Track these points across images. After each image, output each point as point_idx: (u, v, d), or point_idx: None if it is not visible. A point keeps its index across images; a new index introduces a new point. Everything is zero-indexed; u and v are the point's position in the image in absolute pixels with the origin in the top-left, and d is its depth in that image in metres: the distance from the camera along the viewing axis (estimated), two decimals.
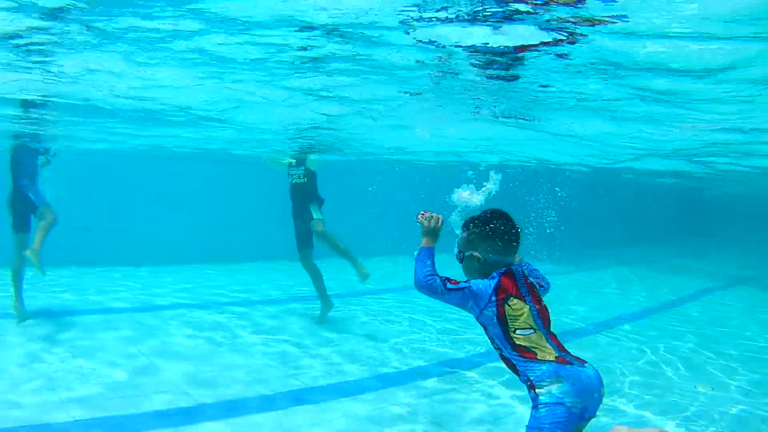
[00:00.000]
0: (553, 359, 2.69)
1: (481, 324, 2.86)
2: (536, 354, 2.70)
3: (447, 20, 3.47)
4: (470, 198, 2.98)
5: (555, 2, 3.11)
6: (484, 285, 2.78)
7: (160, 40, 4.08)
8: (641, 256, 18.04)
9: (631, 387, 5.49)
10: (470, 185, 3.01)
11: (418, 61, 4.48)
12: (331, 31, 3.81)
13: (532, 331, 2.73)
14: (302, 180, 7.58)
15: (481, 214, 2.93)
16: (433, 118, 7.51)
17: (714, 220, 27.07)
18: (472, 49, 4.05)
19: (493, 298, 2.74)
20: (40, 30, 3.89)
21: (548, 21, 3.42)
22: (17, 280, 6.72)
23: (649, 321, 8.75)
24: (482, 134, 8.97)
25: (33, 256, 6.18)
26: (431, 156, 13.17)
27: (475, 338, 6.82)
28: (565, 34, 3.67)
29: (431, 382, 5.47)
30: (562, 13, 3.27)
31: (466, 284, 2.78)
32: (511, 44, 3.89)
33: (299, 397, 4.90)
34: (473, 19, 3.41)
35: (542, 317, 2.80)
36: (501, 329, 2.75)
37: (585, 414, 2.65)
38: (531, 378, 2.69)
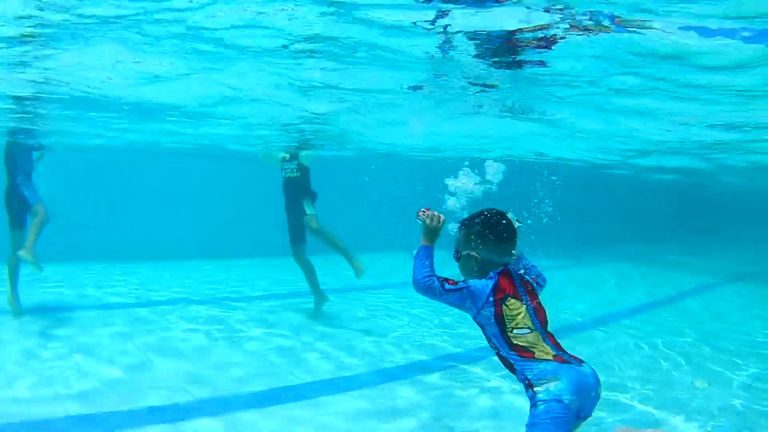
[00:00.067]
0: (551, 358, 2.70)
1: (478, 324, 2.87)
2: (534, 353, 2.70)
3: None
4: (467, 184, 2.95)
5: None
6: (482, 285, 2.78)
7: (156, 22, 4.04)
8: (641, 253, 18.07)
9: (632, 381, 5.47)
10: (468, 171, 2.98)
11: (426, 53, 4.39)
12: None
13: (529, 331, 2.74)
14: (295, 174, 7.58)
15: (479, 213, 2.92)
16: (435, 113, 7.47)
17: (714, 217, 27.05)
18: (474, 35, 3.98)
19: (491, 299, 2.75)
20: (35, 18, 3.85)
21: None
22: (13, 276, 6.70)
23: (649, 316, 8.72)
24: (484, 130, 8.92)
25: (27, 255, 6.17)
26: (433, 152, 13.15)
27: (473, 333, 6.78)
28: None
29: (431, 377, 5.45)
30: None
31: (464, 285, 2.77)
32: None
33: (298, 393, 4.87)
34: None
35: (539, 317, 2.81)
36: (498, 329, 2.75)
37: (581, 413, 2.66)
38: (528, 376, 2.68)
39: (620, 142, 9.96)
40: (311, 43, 4.28)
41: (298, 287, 9.34)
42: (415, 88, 5.82)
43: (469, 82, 5.59)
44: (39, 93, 6.36)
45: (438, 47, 4.36)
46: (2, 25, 3.93)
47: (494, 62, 4.69)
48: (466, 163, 3.07)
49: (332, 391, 4.94)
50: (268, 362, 5.64)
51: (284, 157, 7.77)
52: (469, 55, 4.47)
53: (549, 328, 2.85)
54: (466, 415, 4.55)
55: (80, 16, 3.76)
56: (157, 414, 4.26)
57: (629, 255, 17.34)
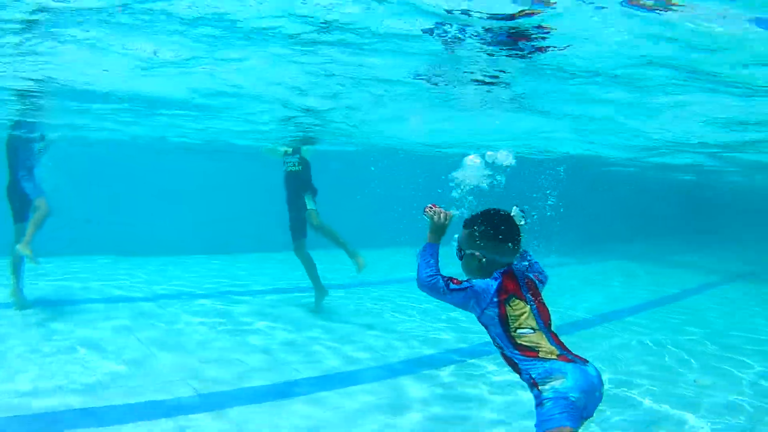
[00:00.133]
0: (555, 357, 2.68)
1: (482, 323, 2.85)
2: (538, 352, 2.69)
3: None
4: (474, 172, 2.92)
5: None
6: (486, 285, 2.76)
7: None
8: (643, 251, 18.06)
9: (639, 378, 5.46)
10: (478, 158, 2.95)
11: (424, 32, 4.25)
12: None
13: (533, 331, 2.72)
14: (297, 168, 7.61)
15: (483, 212, 2.90)
16: (442, 107, 7.41)
17: (717, 217, 27.00)
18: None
19: (495, 299, 2.74)
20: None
21: None
22: (17, 269, 6.69)
23: (654, 314, 8.70)
24: (492, 126, 8.86)
25: (25, 249, 6.18)
26: (439, 148, 13.11)
27: (478, 328, 6.75)
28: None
29: (437, 371, 5.44)
30: None
31: (468, 285, 2.76)
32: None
33: (302, 387, 4.85)
34: None
35: (542, 316, 2.80)
36: (502, 329, 2.75)
37: (584, 413, 2.64)
38: (533, 375, 2.67)
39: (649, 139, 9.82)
40: (325, 30, 4.18)
41: (300, 282, 9.34)
42: (424, 77, 5.70)
43: (477, 77, 5.51)
44: (40, 85, 6.33)
45: (443, 36, 4.28)
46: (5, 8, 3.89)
47: (503, 49, 4.56)
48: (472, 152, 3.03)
49: (337, 386, 4.92)
50: (271, 356, 5.62)
51: (286, 151, 7.81)
52: (478, 41, 4.36)
53: (553, 327, 2.84)
54: (474, 410, 4.54)
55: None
56: (161, 408, 4.25)
57: (632, 253, 17.31)
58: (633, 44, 4.32)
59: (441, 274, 2.77)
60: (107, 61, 5.18)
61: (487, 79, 5.64)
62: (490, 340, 2.85)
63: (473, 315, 2.88)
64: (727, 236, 23.04)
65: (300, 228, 7.49)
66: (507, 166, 3.00)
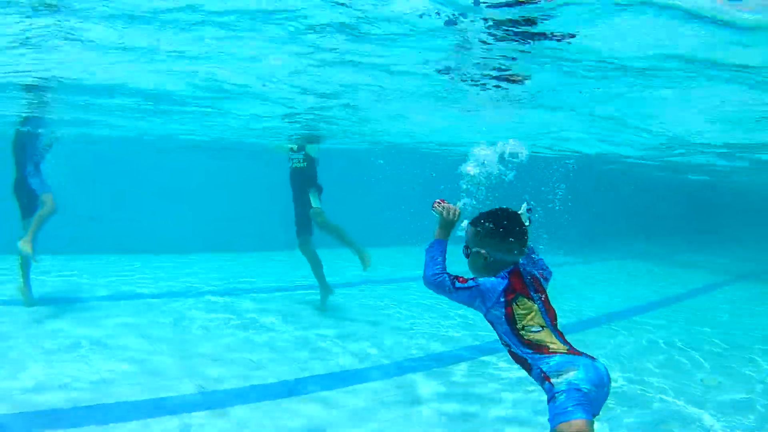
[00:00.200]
0: (565, 351, 2.69)
1: (489, 321, 2.85)
2: (547, 347, 2.69)
3: None
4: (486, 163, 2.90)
5: None
6: (493, 285, 2.76)
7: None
8: (649, 251, 17.99)
9: (649, 376, 5.45)
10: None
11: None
12: None
13: (541, 328, 2.72)
14: (302, 164, 7.63)
15: (491, 211, 2.89)
16: (455, 105, 7.33)
17: (720, 216, 26.85)
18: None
19: (501, 299, 2.73)
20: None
21: None
22: (25, 266, 6.70)
23: (662, 313, 8.65)
24: (502, 123, 8.75)
25: (25, 246, 6.21)
26: (448, 146, 13.06)
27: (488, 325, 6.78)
28: None
29: (449, 368, 5.45)
30: None
31: (474, 283, 2.75)
32: None
33: (310, 384, 4.83)
34: None
35: (549, 314, 2.80)
36: (509, 327, 2.74)
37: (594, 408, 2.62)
38: (544, 369, 2.66)
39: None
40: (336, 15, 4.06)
41: (304, 280, 9.33)
42: (442, 71, 5.60)
43: (488, 72, 5.43)
44: (48, 81, 6.34)
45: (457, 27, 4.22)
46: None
47: (517, 40, 4.45)
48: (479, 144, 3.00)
49: (345, 384, 4.91)
50: (278, 354, 5.61)
51: (292, 148, 7.83)
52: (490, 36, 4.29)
53: (559, 326, 2.83)
54: (485, 407, 4.52)
55: None
56: (166, 405, 4.23)
57: (636, 252, 17.28)
58: (654, 34, 4.15)
59: (447, 272, 2.77)
60: (117, 55, 5.17)
61: (500, 73, 5.52)
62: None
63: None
64: (730, 236, 22.95)
65: (305, 224, 7.49)
66: (518, 158, 2.97)
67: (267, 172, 10.08)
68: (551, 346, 2.68)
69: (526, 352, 2.72)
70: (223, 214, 13.10)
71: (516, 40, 4.40)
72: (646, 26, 3.99)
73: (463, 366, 5.55)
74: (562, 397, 2.55)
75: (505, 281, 2.76)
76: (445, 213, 2.86)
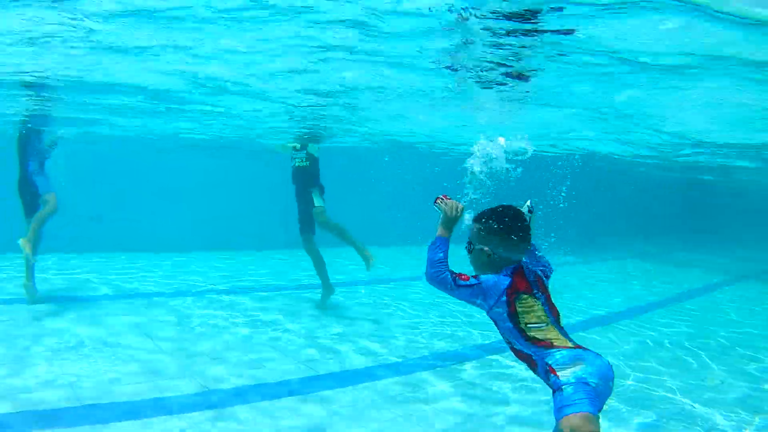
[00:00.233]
0: (571, 346, 2.68)
1: (491, 319, 2.84)
2: (552, 342, 2.68)
3: None
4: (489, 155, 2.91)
5: None
6: (495, 282, 2.75)
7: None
8: (651, 251, 17.96)
9: (657, 375, 5.48)
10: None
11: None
12: None
13: (545, 325, 2.72)
14: (304, 163, 7.66)
15: (495, 208, 2.88)
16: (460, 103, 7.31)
17: (721, 215, 26.79)
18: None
19: (503, 298, 2.72)
20: None
21: None
22: (29, 263, 6.70)
23: (665, 312, 8.66)
24: (506, 121, 8.72)
25: (25, 246, 6.22)
26: (453, 145, 13.03)
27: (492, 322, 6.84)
28: None
29: (458, 366, 5.46)
30: None
31: (476, 281, 2.74)
32: None
33: (317, 383, 4.84)
34: None
35: (553, 312, 2.79)
36: (512, 324, 2.73)
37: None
38: (550, 362, 2.64)
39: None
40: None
41: (306, 279, 9.34)
42: (450, 67, 5.54)
43: (495, 66, 5.38)
44: (49, 78, 6.34)
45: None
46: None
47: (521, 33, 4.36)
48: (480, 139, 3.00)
49: (345, 383, 4.91)
50: (281, 353, 5.60)
51: (295, 147, 7.86)
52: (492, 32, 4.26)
53: (563, 324, 2.82)
54: (493, 406, 4.52)
55: None
56: (170, 405, 4.22)
57: (636, 252, 17.26)
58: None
59: (450, 270, 2.76)
60: (119, 53, 5.18)
61: (507, 69, 5.46)
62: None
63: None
64: (728, 236, 22.92)
65: (308, 222, 7.52)
66: (522, 154, 2.97)
67: (267, 171, 10.08)
68: (556, 341, 2.67)
69: (531, 349, 2.71)
70: (224, 212, 13.11)
71: (524, 34, 4.32)
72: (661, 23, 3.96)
73: (469, 365, 5.55)
74: (570, 389, 2.54)
75: (508, 279, 2.74)
76: (448, 210, 2.85)
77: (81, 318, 6.29)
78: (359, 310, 7.74)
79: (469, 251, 2.91)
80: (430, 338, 6.47)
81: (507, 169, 2.95)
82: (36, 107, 8.18)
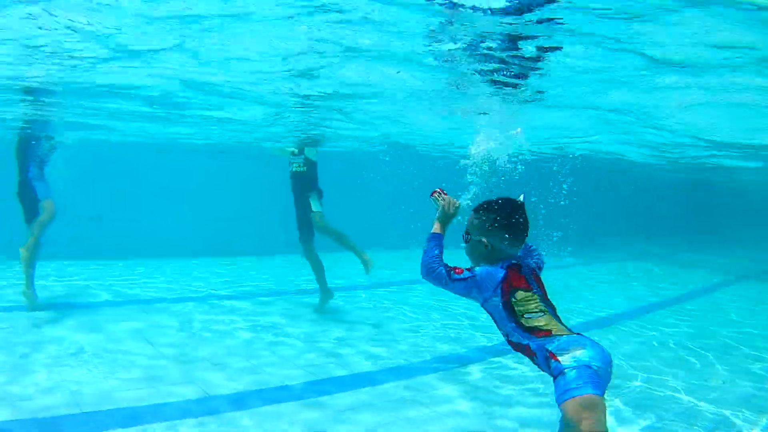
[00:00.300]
0: (569, 333, 2.68)
1: (488, 312, 2.83)
2: (551, 331, 2.67)
3: None
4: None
5: None
6: (489, 274, 2.74)
7: None
8: (650, 251, 17.94)
9: (663, 375, 5.48)
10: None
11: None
12: None
13: (542, 314, 2.71)
14: (302, 168, 7.65)
15: (496, 200, 2.88)
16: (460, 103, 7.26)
17: (723, 216, 26.78)
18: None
19: (498, 291, 2.72)
20: None
21: None
22: (29, 269, 6.68)
23: (668, 312, 8.63)
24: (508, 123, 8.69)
25: (25, 255, 6.23)
26: (453, 148, 13.02)
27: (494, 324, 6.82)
28: None
29: (463, 369, 5.45)
30: None
31: (471, 274, 2.75)
32: None
33: (317, 387, 4.81)
34: None
35: (549, 304, 2.79)
36: (508, 315, 2.72)
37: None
38: (550, 348, 2.63)
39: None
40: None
41: (305, 284, 9.33)
42: (445, 60, 5.44)
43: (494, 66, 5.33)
44: (48, 83, 6.33)
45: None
46: None
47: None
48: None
49: (345, 387, 4.88)
50: (282, 358, 5.57)
51: (293, 152, 7.85)
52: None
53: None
54: (499, 408, 4.49)
55: None
56: (170, 410, 4.19)
57: (637, 252, 17.25)
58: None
59: (444, 264, 2.78)
60: (117, 57, 5.17)
61: (507, 67, 5.36)
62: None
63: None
64: (728, 236, 22.91)
65: (307, 227, 7.51)
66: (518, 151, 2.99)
67: (269, 175, 10.06)
68: (554, 329, 2.67)
69: (529, 337, 2.69)
70: (225, 218, 13.11)
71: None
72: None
73: (473, 367, 5.53)
74: (573, 373, 2.51)
75: (503, 271, 2.74)
76: (445, 204, 2.87)
77: (81, 324, 6.26)
78: (359, 314, 7.71)
79: (466, 241, 2.90)
80: (432, 341, 6.44)
81: (510, 163, 2.95)
82: (36, 112, 8.17)
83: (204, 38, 4.63)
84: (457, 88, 6.33)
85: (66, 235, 8.56)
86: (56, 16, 4.09)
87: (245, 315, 7.23)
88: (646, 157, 13.71)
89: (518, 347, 2.78)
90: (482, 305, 2.81)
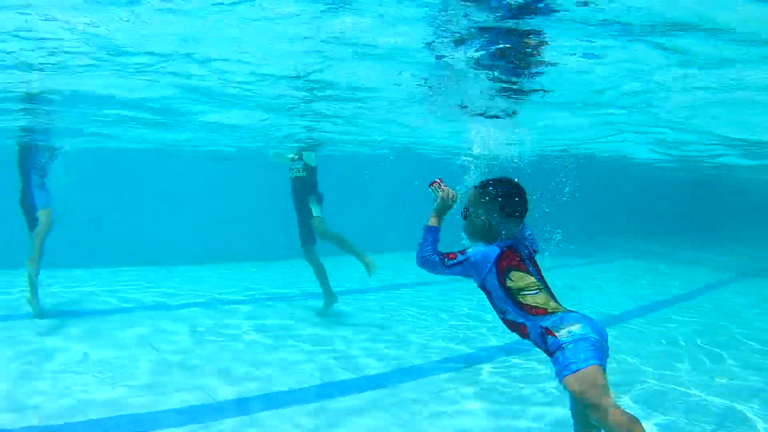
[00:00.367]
0: (564, 311, 2.72)
1: (485, 290, 2.86)
2: (546, 309, 2.70)
3: None
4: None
5: None
6: (484, 254, 2.78)
7: None
8: (651, 249, 17.95)
9: (675, 372, 5.48)
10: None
11: None
12: None
13: (538, 291, 2.75)
14: (301, 174, 7.67)
15: (499, 178, 2.92)
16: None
17: (720, 214, 26.79)
18: None
19: (494, 269, 2.76)
20: None
21: None
22: (33, 277, 6.65)
23: (672, 310, 8.62)
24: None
25: (31, 265, 6.25)
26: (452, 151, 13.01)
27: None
28: None
29: (473, 369, 5.46)
30: None
31: (464, 257, 2.80)
32: None
33: (320, 391, 4.78)
34: None
35: (545, 283, 2.84)
36: (504, 292, 2.75)
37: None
38: (546, 325, 2.65)
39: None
40: None
41: (311, 288, 9.30)
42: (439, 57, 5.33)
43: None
44: (46, 92, 6.33)
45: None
46: None
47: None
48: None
49: (350, 391, 4.85)
50: (286, 363, 5.54)
51: (293, 158, 7.86)
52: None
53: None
54: (517, 405, 4.48)
55: None
56: (175, 417, 4.16)
57: (638, 251, 17.24)
58: None
59: (438, 252, 2.84)
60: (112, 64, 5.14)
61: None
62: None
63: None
64: (729, 234, 22.92)
65: (308, 232, 7.51)
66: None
67: (273, 179, 10.03)
68: (549, 307, 2.70)
69: (525, 315, 2.72)
70: (230, 223, 13.10)
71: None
72: None
73: (485, 367, 5.50)
74: (571, 346, 2.54)
75: (498, 250, 2.78)
76: (444, 195, 2.90)
77: (85, 331, 6.23)
78: (365, 316, 7.68)
79: (464, 217, 2.94)
80: (441, 342, 6.42)
81: (511, 159, 2.99)
82: (37, 120, 8.16)
83: (203, 40, 4.60)
84: (457, 87, 6.32)
85: (71, 242, 8.56)
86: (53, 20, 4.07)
87: (250, 319, 7.21)
88: (656, 155, 13.61)
89: (513, 325, 2.81)
90: (479, 284, 2.85)
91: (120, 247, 11.03)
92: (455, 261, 2.79)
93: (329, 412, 4.34)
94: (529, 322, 2.70)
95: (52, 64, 5.13)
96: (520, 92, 6.24)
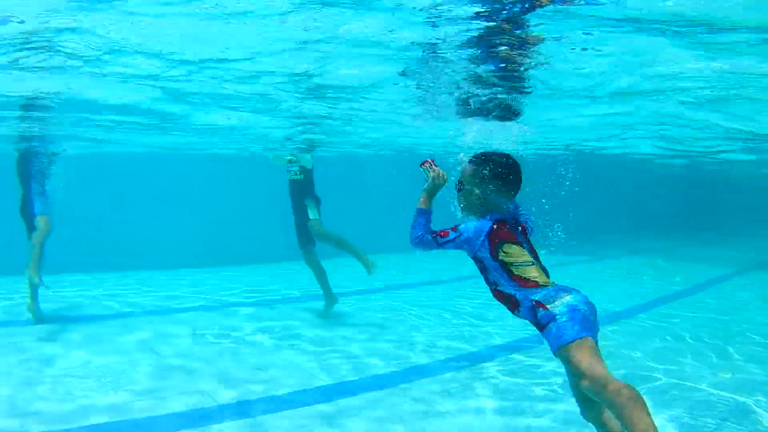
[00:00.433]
0: (553, 285, 2.75)
1: (478, 261, 2.89)
2: (537, 282, 2.74)
3: None
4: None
5: None
6: (476, 229, 2.82)
7: None
8: (654, 246, 17.93)
9: (682, 365, 5.48)
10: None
11: None
12: None
13: (531, 264, 2.78)
14: (298, 176, 7.69)
15: (496, 153, 2.94)
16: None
17: (721, 212, 26.76)
18: None
19: (486, 243, 2.79)
20: None
21: None
22: (33, 283, 6.63)
23: (676, 307, 8.62)
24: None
25: (31, 272, 6.21)
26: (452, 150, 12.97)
27: (518, 323, 6.79)
28: None
29: (477, 366, 5.44)
30: None
31: (456, 234, 2.84)
32: None
33: (323, 393, 4.75)
34: None
35: (536, 257, 2.87)
36: (497, 263, 2.79)
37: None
38: (536, 298, 2.68)
39: None
40: None
41: (312, 289, 9.28)
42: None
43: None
44: (43, 96, 6.30)
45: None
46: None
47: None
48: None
49: (355, 392, 4.83)
50: (289, 364, 5.52)
51: (290, 160, 7.87)
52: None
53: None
54: (528, 403, 4.46)
55: None
56: (181, 418, 4.15)
57: (640, 248, 17.22)
58: None
59: (430, 231, 2.87)
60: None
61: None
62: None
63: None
64: (730, 230, 22.90)
65: (306, 234, 7.51)
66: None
67: (274, 181, 10.01)
68: (540, 281, 2.73)
69: (516, 287, 2.75)
70: (233, 225, 13.09)
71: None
72: None
73: (490, 364, 5.49)
74: (564, 318, 2.57)
75: (489, 223, 2.81)
76: (434, 175, 2.92)
77: (86, 337, 6.21)
78: (366, 316, 7.66)
79: (459, 190, 2.97)
80: (445, 341, 6.39)
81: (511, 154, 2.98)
82: (31, 126, 8.14)
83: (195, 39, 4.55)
84: (458, 87, 6.29)
85: (74, 246, 8.54)
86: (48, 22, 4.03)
87: (251, 321, 7.18)
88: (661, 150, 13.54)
89: (503, 297, 2.83)
90: (473, 257, 2.88)
91: (124, 252, 11.02)
92: (447, 238, 2.83)
93: (332, 412, 4.31)
94: (520, 295, 2.74)
95: (49, 68, 5.10)
96: (521, 88, 6.20)
